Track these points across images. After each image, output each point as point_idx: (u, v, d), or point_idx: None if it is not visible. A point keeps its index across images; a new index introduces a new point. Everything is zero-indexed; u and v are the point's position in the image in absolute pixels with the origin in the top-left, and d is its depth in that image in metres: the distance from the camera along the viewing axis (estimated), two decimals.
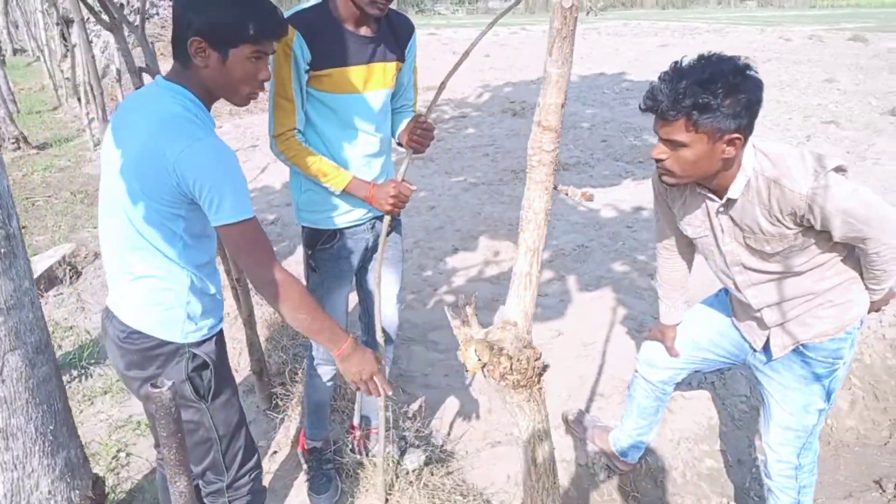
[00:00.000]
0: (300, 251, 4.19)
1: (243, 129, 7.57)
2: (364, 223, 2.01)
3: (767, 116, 7.23)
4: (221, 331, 1.61)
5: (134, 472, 2.42)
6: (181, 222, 1.41)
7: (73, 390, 2.86)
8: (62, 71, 10.41)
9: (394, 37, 1.90)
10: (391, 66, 1.91)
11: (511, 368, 1.13)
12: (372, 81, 1.88)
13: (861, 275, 1.75)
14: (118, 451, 2.51)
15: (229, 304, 2.46)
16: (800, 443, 1.91)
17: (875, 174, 5.18)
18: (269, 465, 2.42)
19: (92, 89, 6.12)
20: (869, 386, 2.92)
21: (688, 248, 2.05)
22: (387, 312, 2.13)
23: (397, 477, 2.24)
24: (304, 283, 2.04)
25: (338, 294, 2.06)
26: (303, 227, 2.03)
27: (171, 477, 1.03)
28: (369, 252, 2.08)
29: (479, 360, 1.15)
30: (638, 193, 5.06)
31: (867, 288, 1.76)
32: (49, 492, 1.72)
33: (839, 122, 7.03)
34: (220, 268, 1.92)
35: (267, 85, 1.56)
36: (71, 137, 7.94)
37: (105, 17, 2.23)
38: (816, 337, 1.78)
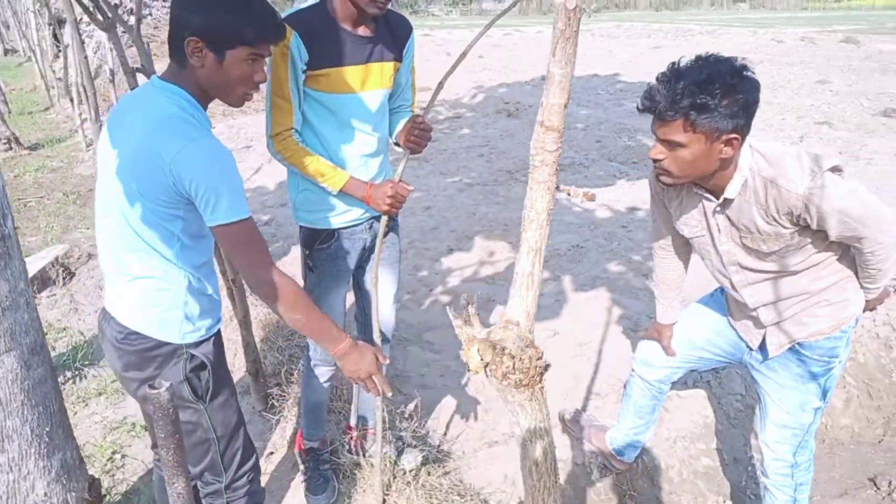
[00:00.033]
0: (295, 251, 4.21)
1: (236, 129, 7.54)
2: (362, 223, 2.01)
3: (761, 117, 7.26)
4: (219, 331, 1.61)
5: (129, 473, 2.41)
6: (178, 223, 1.40)
7: (67, 392, 2.85)
8: (54, 71, 10.34)
9: (391, 37, 1.90)
10: (389, 66, 1.91)
11: (513, 368, 1.13)
12: (369, 81, 1.88)
13: (856, 274, 1.76)
14: (113, 452, 2.50)
15: (225, 305, 2.44)
16: (796, 441, 1.92)
17: (868, 174, 5.22)
18: (266, 466, 2.41)
19: (85, 90, 6.08)
20: (863, 384, 2.94)
21: (684, 248, 2.06)
22: (383, 312, 2.13)
23: (394, 477, 2.24)
24: (302, 283, 2.04)
25: (335, 294, 2.05)
26: (300, 227, 2.02)
27: (169, 478, 1.02)
28: (367, 252, 2.07)
29: (482, 359, 1.15)
30: (632, 194, 5.07)
31: (862, 287, 1.78)
32: (45, 494, 1.71)
33: (832, 123, 7.08)
34: (216, 269, 1.91)
35: (263, 85, 1.56)
36: (63, 138, 7.89)
37: (99, 16, 2.22)
38: (812, 336, 1.79)
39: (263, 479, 2.30)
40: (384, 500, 2.18)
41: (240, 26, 1.35)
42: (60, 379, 2.87)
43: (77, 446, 1.89)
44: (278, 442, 2.55)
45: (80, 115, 7.26)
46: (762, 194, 1.62)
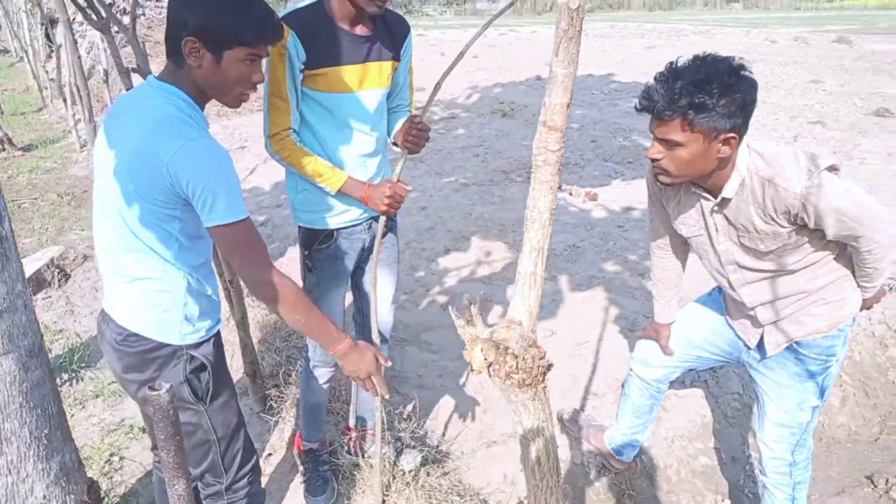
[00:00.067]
0: (291, 252, 4.20)
1: (231, 130, 7.52)
2: (360, 223, 2.01)
3: (754, 117, 7.29)
4: (219, 332, 1.61)
5: (128, 475, 2.40)
6: (176, 223, 1.40)
7: (65, 394, 2.83)
8: (47, 72, 10.28)
9: (389, 36, 1.90)
10: (387, 66, 1.91)
11: (517, 367, 1.13)
12: (367, 81, 1.87)
13: (853, 273, 1.77)
14: (111, 454, 2.48)
15: (222, 306, 2.44)
16: (794, 440, 1.92)
17: (861, 173, 5.25)
18: (265, 468, 2.41)
19: (78, 90, 6.05)
20: (859, 383, 2.96)
21: (682, 248, 2.07)
22: (381, 313, 2.13)
23: (394, 478, 2.23)
24: (301, 283, 2.04)
25: (335, 294, 2.05)
26: (299, 228, 2.02)
27: (170, 479, 1.02)
28: (366, 252, 2.07)
29: (486, 359, 1.15)
30: (628, 193, 5.09)
31: (859, 286, 1.79)
32: (44, 496, 1.70)
33: (825, 123, 7.12)
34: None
35: (261, 85, 1.55)
36: (57, 139, 7.85)
37: (94, 16, 2.21)
38: (810, 334, 1.80)
39: (262, 481, 2.30)
40: (383, 501, 2.17)
41: (238, 27, 1.34)
42: (57, 381, 2.86)
43: (76, 448, 1.88)
44: (277, 443, 2.54)
45: (74, 115, 7.22)
46: (760, 193, 1.63)
